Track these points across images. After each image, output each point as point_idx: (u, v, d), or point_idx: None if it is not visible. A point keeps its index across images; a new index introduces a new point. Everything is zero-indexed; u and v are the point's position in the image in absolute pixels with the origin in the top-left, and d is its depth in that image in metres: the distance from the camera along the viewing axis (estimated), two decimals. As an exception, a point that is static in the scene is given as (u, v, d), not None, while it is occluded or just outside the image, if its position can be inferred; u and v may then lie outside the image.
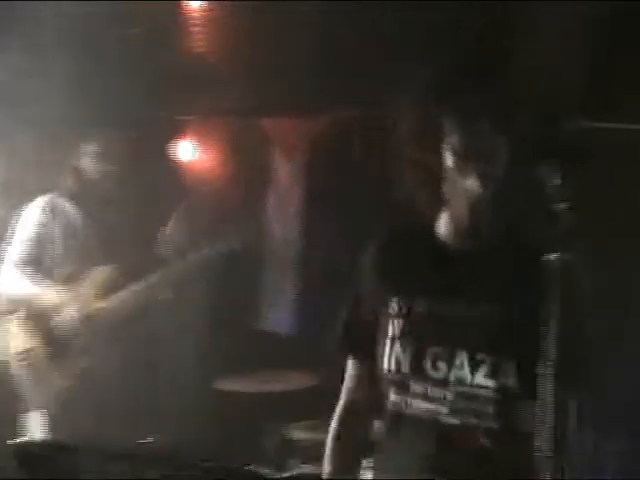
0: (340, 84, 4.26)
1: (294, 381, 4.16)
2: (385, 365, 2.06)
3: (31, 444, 3.13)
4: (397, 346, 2.04)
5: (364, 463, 2.25)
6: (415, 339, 2.02)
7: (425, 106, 2.02)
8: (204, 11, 4.04)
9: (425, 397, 2.00)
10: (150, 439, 4.06)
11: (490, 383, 1.92)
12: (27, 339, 4.14)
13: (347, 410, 2.23)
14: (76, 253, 4.26)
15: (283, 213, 4.93)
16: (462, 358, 1.96)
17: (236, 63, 4.28)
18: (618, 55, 3.51)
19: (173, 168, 4.84)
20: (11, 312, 4.18)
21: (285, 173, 4.93)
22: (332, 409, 3.99)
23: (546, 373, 1.74)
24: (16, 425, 3.97)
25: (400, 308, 2.06)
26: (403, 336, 2.03)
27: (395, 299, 2.07)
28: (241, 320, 4.78)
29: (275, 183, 4.95)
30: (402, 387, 2.03)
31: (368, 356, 2.13)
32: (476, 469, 1.88)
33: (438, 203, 2.06)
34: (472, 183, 1.94)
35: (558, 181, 1.81)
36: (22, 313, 4.16)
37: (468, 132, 1.95)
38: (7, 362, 4.13)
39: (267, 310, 4.90)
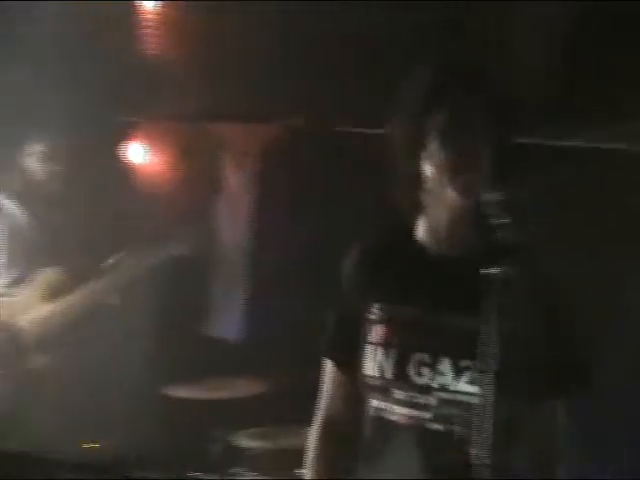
0: (294, 89, 4.25)
1: (242, 388, 4.13)
2: (367, 371, 2.05)
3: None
4: (380, 352, 2.03)
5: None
6: (398, 345, 2.02)
7: (405, 116, 2.03)
8: (157, 12, 4.00)
9: (408, 403, 2.00)
10: (96, 444, 4.02)
11: (473, 389, 1.92)
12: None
13: (328, 418, 2.22)
14: (22, 255, 4.21)
15: (233, 219, 4.90)
16: (445, 364, 1.96)
17: (188, 66, 4.24)
18: (553, 71, 3.56)
19: (122, 170, 4.79)
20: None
21: (236, 178, 4.91)
22: (280, 417, 4.01)
23: (484, 381, 1.78)
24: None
25: (382, 314, 2.06)
26: (386, 342, 2.04)
27: (377, 305, 2.07)
28: (189, 326, 4.74)
29: (226, 188, 4.92)
30: (385, 393, 2.03)
31: (349, 362, 2.12)
32: (460, 474, 1.86)
33: (417, 210, 2.08)
34: (451, 193, 1.96)
35: (496, 196, 1.86)
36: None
37: (448, 142, 1.96)
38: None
39: (216, 316, 4.87)
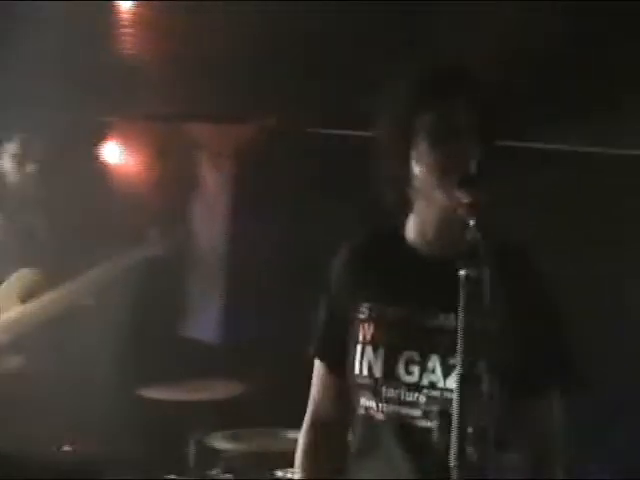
0: (268, 90, 4.24)
1: (218, 390, 4.12)
2: (357, 370, 2.06)
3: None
4: (369, 350, 2.04)
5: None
6: (387, 343, 2.03)
7: (393, 117, 2.03)
8: (133, 12, 3.98)
9: (398, 401, 2.01)
10: (69, 447, 4.00)
11: (464, 385, 1.91)
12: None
13: (318, 418, 2.22)
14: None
15: (210, 220, 4.89)
16: (434, 362, 1.98)
17: (164, 66, 4.23)
18: (522, 77, 3.58)
19: (97, 170, 4.76)
20: None
21: (211, 179, 4.89)
22: (256, 419, 4.00)
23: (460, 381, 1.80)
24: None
25: (371, 313, 2.06)
26: (375, 341, 2.04)
27: (366, 304, 2.08)
28: (166, 327, 4.72)
29: (202, 189, 4.91)
30: (374, 392, 2.04)
31: (339, 362, 2.12)
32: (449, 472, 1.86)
33: (405, 210, 2.08)
34: (439, 193, 1.96)
35: (467, 198, 1.88)
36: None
37: (437, 143, 1.97)
38: None
39: (192, 318, 4.86)
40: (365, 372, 2.04)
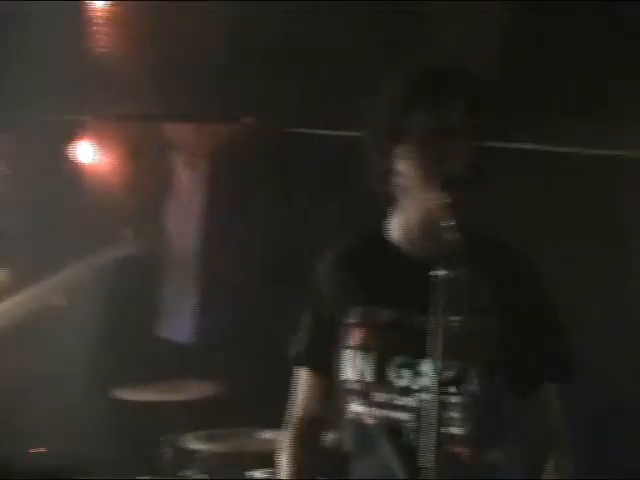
0: (245, 90, 4.23)
1: (192, 391, 4.10)
2: (347, 375, 2.04)
3: None
4: (359, 355, 2.02)
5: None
6: (378, 348, 2.01)
7: (382, 115, 2.02)
8: (107, 11, 3.96)
9: (390, 405, 1.99)
10: (42, 449, 3.97)
11: (453, 389, 1.92)
12: None
13: (301, 420, 2.19)
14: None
15: (184, 220, 4.87)
16: (426, 366, 1.95)
17: (139, 65, 4.21)
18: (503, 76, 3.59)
19: (69, 170, 4.73)
20: None
21: (187, 179, 4.88)
22: (230, 419, 3.99)
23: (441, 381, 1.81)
24: None
25: (360, 317, 2.04)
26: (365, 345, 2.02)
27: (355, 308, 2.05)
28: (139, 328, 4.70)
29: (177, 189, 4.89)
30: (365, 396, 2.02)
31: (325, 366, 2.10)
32: (444, 474, 1.86)
33: (390, 210, 2.07)
34: (427, 193, 1.95)
35: (448, 199, 1.88)
36: None
37: (425, 143, 1.96)
38: None
39: (166, 318, 4.83)
40: (356, 377, 2.02)
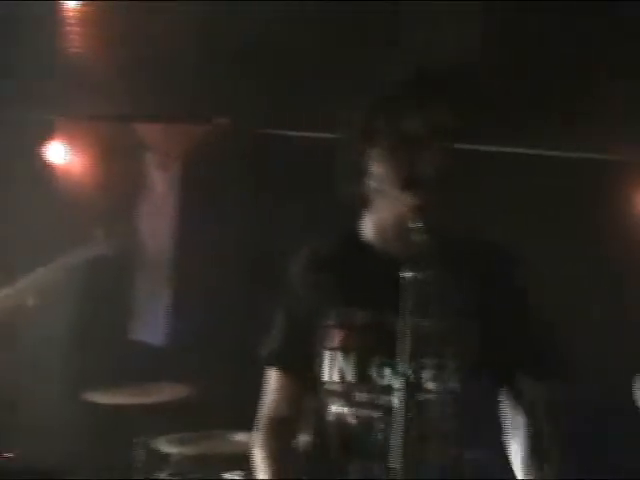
0: (217, 90, 4.22)
1: (164, 393, 4.08)
2: (327, 377, 2.04)
3: None
4: (339, 356, 2.02)
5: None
6: (358, 348, 2.01)
7: (355, 119, 2.02)
8: (79, 10, 3.94)
9: (370, 405, 1.99)
10: (10, 454, 3.95)
11: (433, 386, 1.94)
12: None
13: (273, 419, 2.17)
14: None
15: (156, 220, 4.85)
16: (406, 364, 1.94)
17: (111, 65, 4.19)
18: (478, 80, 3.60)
19: (40, 169, 4.71)
20: None
21: (160, 180, 4.86)
22: (203, 421, 3.97)
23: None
24: None
25: (339, 318, 2.04)
26: (345, 346, 2.02)
27: (333, 309, 2.05)
28: (111, 330, 4.67)
29: (149, 189, 4.87)
30: (346, 397, 2.02)
31: (298, 367, 2.10)
32: (412, 474, 1.86)
33: (363, 210, 2.07)
34: (399, 194, 1.95)
35: (415, 201, 1.90)
36: None
37: (397, 145, 1.96)
38: None
39: (138, 320, 4.81)
40: (336, 378, 2.02)
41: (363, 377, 2.00)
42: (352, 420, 2.02)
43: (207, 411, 4.07)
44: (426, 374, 1.92)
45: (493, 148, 4.18)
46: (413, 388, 1.87)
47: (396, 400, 1.86)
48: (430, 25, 3.41)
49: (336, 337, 2.03)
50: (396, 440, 1.82)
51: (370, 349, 2.00)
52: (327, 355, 2.04)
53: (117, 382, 4.13)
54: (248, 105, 4.28)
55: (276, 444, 2.15)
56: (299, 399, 2.13)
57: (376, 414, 1.99)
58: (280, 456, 2.14)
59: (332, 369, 2.03)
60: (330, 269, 2.10)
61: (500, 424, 2.04)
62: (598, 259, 4.04)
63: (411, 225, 1.88)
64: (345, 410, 2.03)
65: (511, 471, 2.02)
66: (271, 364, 2.16)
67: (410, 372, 1.84)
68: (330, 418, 2.06)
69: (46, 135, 4.76)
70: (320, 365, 2.05)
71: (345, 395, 2.02)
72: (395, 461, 1.82)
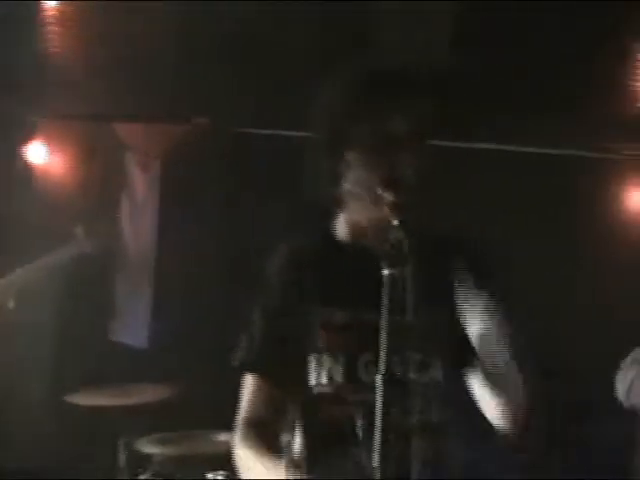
0: (196, 90, 4.22)
1: (146, 394, 4.07)
2: (315, 380, 2.02)
3: None
4: (326, 358, 2.01)
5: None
6: (344, 348, 2.01)
7: (329, 117, 2.02)
8: (60, 10, 3.93)
9: (360, 404, 1.98)
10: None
11: (418, 377, 1.93)
12: None
13: (251, 420, 2.12)
14: None
15: (137, 220, 4.83)
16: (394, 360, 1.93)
17: (91, 65, 4.18)
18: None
19: (20, 169, 4.69)
20: None
21: (140, 180, 4.84)
22: (185, 421, 3.97)
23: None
24: None
25: (321, 319, 2.02)
26: (331, 347, 2.01)
27: (314, 310, 2.03)
28: (92, 331, 4.65)
29: (130, 189, 4.85)
30: (335, 398, 2.01)
31: (278, 373, 2.06)
32: (392, 472, 1.85)
33: (338, 209, 2.07)
34: (367, 193, 1.96)
35: (392, 198, 1.90)
36: None
37: (372, 143, 1.97)
38: None
39: (119, 321, 4.79)
40: (324, 380, 2.01)
41: (351, 377, 2.00)
42: (342, 420, 2.01)
43: (189, 411, 4.06)
44: (408, 370, 1.91)
45: (476, 145, 4.20)
46: (395, 385, 1.86)
47: (379, 397, 1.85)
48: (404, 25, 3.43)
49: (320, 339, 2.02)
50: (379, 437, 1.82)
51: (356, 348, 2.00)
52: (313, 358, 2.02)
53: (98, 383, 4.11)
54: (227, 105, 4.28)
55: (257, 444, 2.13)
56: (278, 401, 2.09)
57: (366, 413, 1.97)
58: (264, 453, 2.12)
59: (320, 371, 2.02)
60: (307, 269, 2.07)
61: (484, 417, 2.04)
62: (581, 257, 4.06)
63: (390, 223, 1.88)
64: (335, 410, 2.02)
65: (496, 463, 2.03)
66: (248, 370, 2.11)
67: (392, 369, 1.83)
68: (320, 419, 2.04)
69: (26, 135, 4.74)
70: (304, 368, 2.03)
71: (335, 396, 2.01)
72: (380, 458, 1.81)
